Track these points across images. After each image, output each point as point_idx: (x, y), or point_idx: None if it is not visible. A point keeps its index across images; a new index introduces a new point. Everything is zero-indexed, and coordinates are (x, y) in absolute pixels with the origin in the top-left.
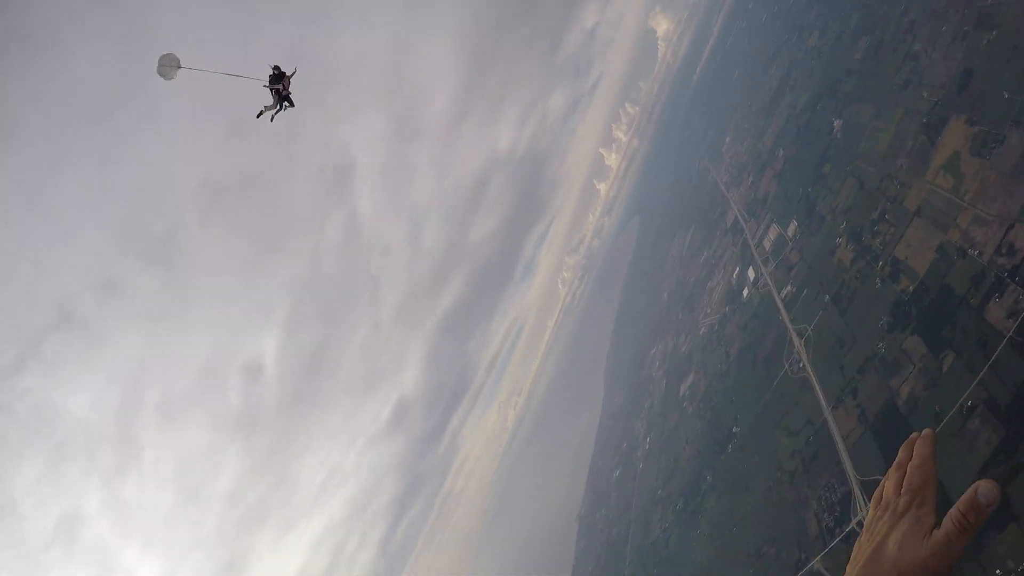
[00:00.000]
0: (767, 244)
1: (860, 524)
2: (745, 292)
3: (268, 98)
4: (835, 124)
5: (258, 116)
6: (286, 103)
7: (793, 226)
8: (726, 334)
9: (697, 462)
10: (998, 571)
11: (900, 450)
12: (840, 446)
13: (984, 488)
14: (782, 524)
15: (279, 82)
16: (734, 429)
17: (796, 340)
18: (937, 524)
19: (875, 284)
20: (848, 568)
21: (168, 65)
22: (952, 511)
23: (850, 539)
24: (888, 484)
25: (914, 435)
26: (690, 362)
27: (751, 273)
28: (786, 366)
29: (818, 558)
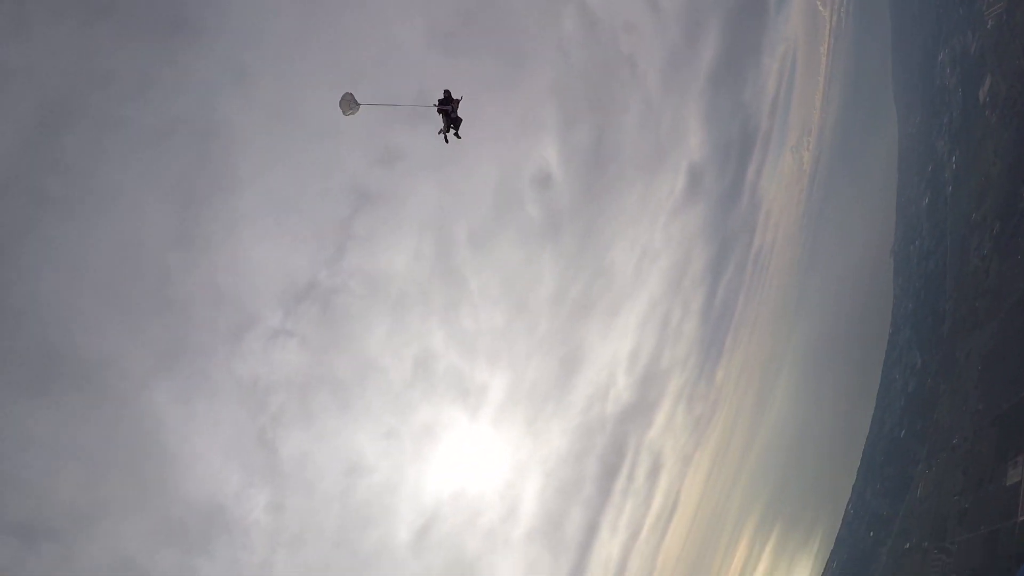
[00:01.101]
0: None
1: None
2: None
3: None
4: None
5: (440, 134)
6: (453, 129)
7: None
8: (1018, 22)
9: (1011, 177)
10: None
11: None
12: None
13: None
14: None
15: (448, 104)
16: None
17: None
18: None
19: None
20: None
21: (348, 103)
22: None
23: None
24: None
25: None
26: (983, 63)
27: None
28: None
29: None
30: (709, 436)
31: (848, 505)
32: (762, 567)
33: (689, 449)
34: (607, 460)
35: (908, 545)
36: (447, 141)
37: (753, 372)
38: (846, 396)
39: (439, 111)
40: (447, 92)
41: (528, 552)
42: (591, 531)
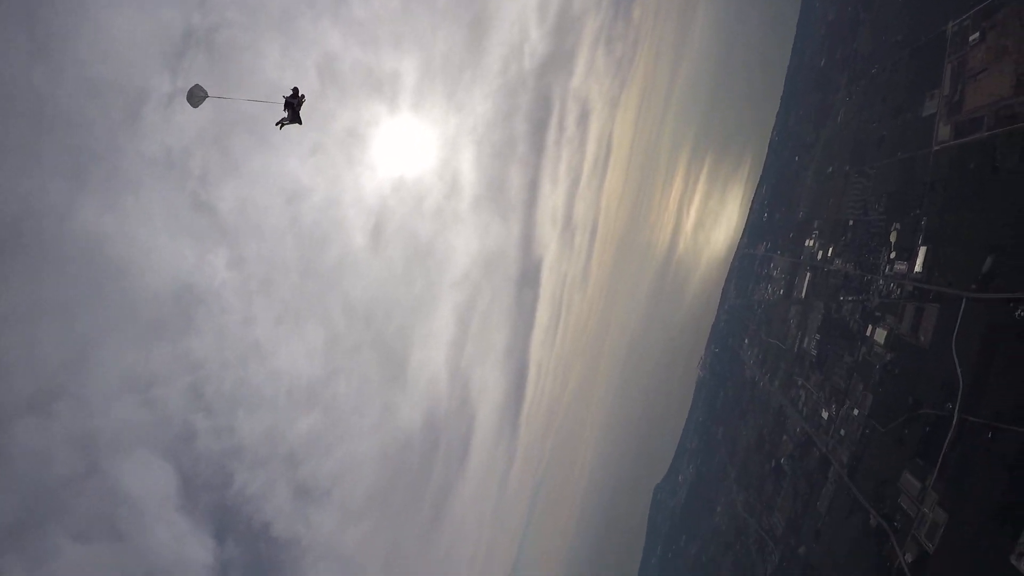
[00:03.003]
0: None
1: None
2: None
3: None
4: None
5: (277, 125)
6: (297, 120)
7: None
8: None
9: None
10: None
11: None
12: None
13: None
14: None
15: (295, 99)
16: None
17: None
18: None
19: None
20: None
21: (195, 95)
22: None
23: None
24: None
25: None
26: None
27: None
28: None
29: None
30: (634, 76)
31: (773, 132)
32: (698, 197)
33: (615, 91)
34: (535, 116)
35: (831, 169)
36: (281, 128)
37: (671, 4)
38: (767, 26)
39: (286, 105)
40: (295, 89)
41: (478, 221)
42: (533, 187)
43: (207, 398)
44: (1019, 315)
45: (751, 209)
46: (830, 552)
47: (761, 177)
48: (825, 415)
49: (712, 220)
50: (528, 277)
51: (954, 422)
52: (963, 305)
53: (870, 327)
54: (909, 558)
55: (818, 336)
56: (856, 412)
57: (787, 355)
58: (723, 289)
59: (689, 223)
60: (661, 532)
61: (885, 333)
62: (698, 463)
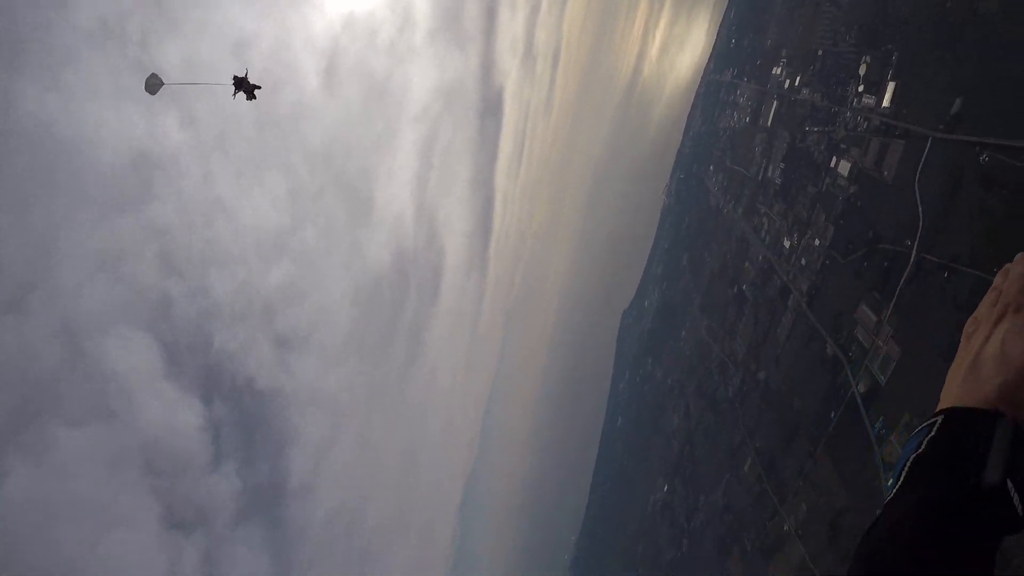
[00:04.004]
0: None
1: None
2: None
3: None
4: None
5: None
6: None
7: None
8: None
9: None
10: None
11: (996, 276)
12: None
13: None
14: None
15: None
16: None
17: None
18: None
19: None
20: (944, 391)
21: (152, 83)
22: None
23: None
24: (982, 308)
25: (1008, 265)
26: None
27: None
28: None
29: None
30: None
31: None
32: (664, 21)
33: None
34: None
35: None
36: (234, 97)
37: None
38: None
39: (235, 83)
40: (235, 76)
41: (435, 53)
42: (490, 16)
43: (177, 263)
44: (983, 160)
45: (718, 35)
46: (788, 378)
47: (729, 2)
48: (787, 244)
49: (678, 46)
50: (490, 107)
51: (912, 259)
52: (929, 144)
53: (835, 159)
54: (862, 388)
55: (783, 165)
56: (817, 242)
57: (751, 183)
58: (688, 116)
59: (654, 48)
60: (628, 357)
61: (849, 166)
62: (663, 288)
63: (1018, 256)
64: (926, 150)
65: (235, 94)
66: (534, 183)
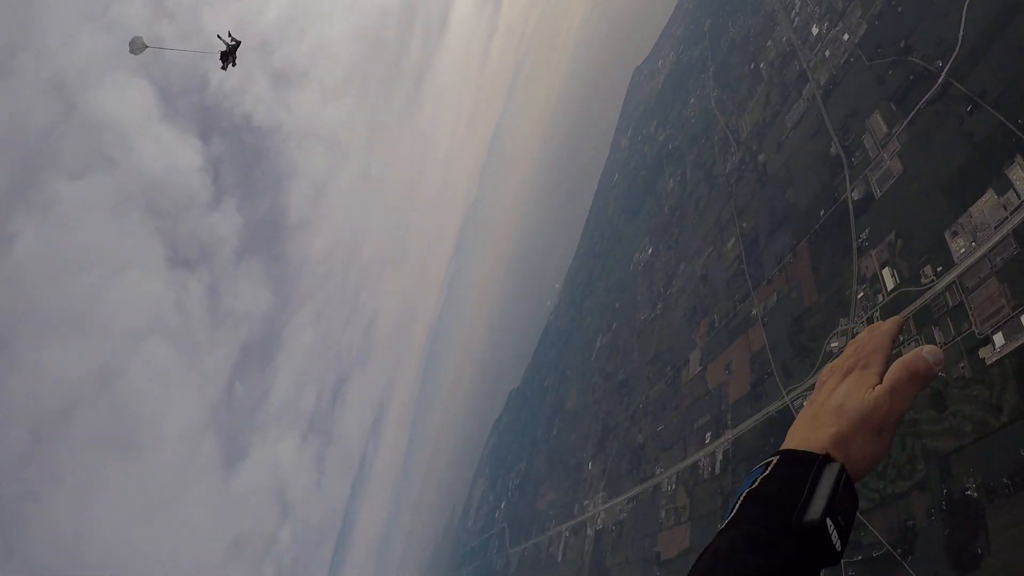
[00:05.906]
0: None
1: None
2: None
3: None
4: None
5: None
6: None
7: None
8: None
9: None
10: None
11: (863, 332)
12: None
13: (929, 349)
14: None
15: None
16: None
17: None
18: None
19: None
20: (789, 432)
21: (137, 44)
22: (896, 361)
23: None
24: (840, 358)
25: (878, 323)
26: None
27: None
28: None
29: None
30: None
31: None
32: None
33: None
34: None
35: None
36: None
37: None
38: None
39: (223, 56)
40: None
41: None
42: None
43: (168, 4)
44: None
45: None
46: (786, 166)
47: None
48: (815, 31)
49: None
50: None
51: (939, 81)
52: None
53: None
54: (856, 195)
55: None
56: (846, 37)
57: None
58: None
59: None
60: (634, 116)
61: None
62: (679, 51)
63: (891, 319)
64: None
65: (224, 67)
66: None
